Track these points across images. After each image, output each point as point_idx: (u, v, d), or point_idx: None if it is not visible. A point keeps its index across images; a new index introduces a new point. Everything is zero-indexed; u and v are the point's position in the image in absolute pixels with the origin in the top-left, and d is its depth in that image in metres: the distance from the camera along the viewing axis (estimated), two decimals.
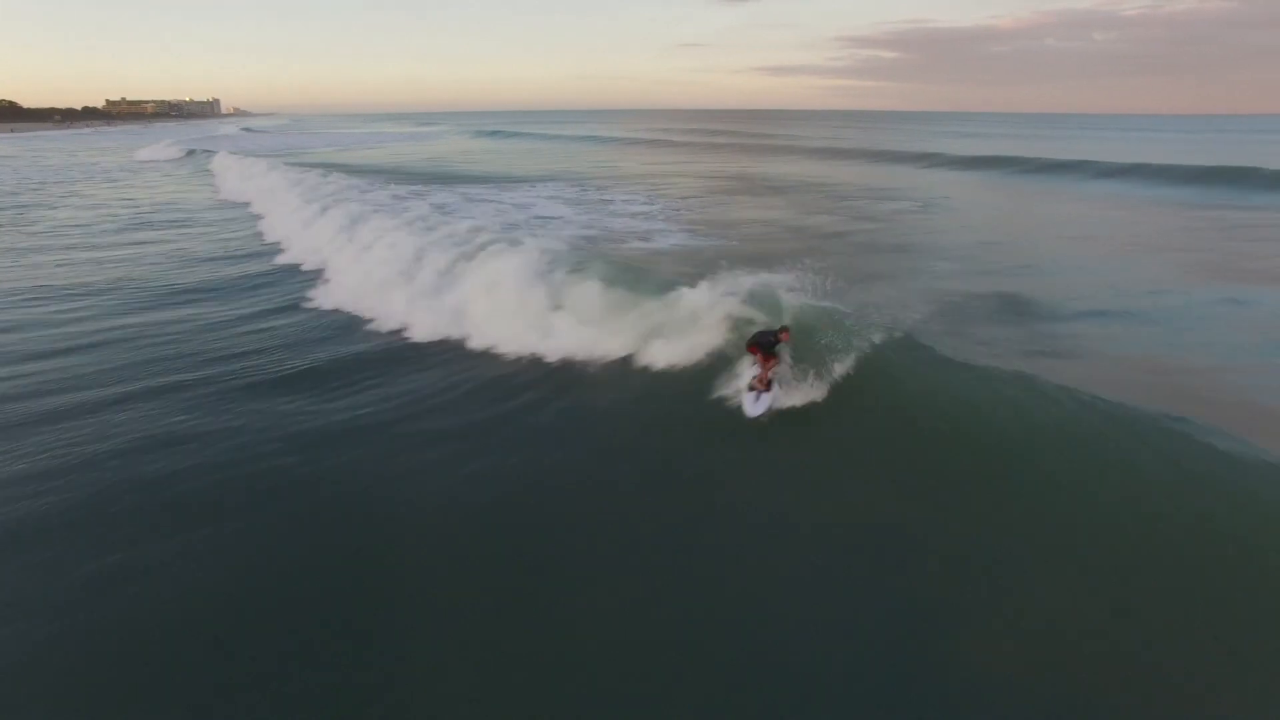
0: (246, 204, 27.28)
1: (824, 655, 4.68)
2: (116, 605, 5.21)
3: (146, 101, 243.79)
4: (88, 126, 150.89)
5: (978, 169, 40.02)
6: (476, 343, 10.57)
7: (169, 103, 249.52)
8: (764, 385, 7.63)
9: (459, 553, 5.86)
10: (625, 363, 9.32)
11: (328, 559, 5.81)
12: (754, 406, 7.55)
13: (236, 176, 34.60)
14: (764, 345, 7.72)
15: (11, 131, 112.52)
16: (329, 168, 40.35)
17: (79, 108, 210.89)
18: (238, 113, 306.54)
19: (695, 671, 4.58)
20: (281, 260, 17.43)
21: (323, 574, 5.63)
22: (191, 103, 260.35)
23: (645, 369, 9.08)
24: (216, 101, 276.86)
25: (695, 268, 13.83)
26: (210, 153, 50.53)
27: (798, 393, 7.76)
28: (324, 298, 13.44)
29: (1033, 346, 10.40)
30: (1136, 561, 5.19)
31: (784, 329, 7.95)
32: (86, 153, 64.14)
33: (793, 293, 9.37)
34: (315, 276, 15.16)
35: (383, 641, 4.88)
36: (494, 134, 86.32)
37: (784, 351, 7.85)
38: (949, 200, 27.87)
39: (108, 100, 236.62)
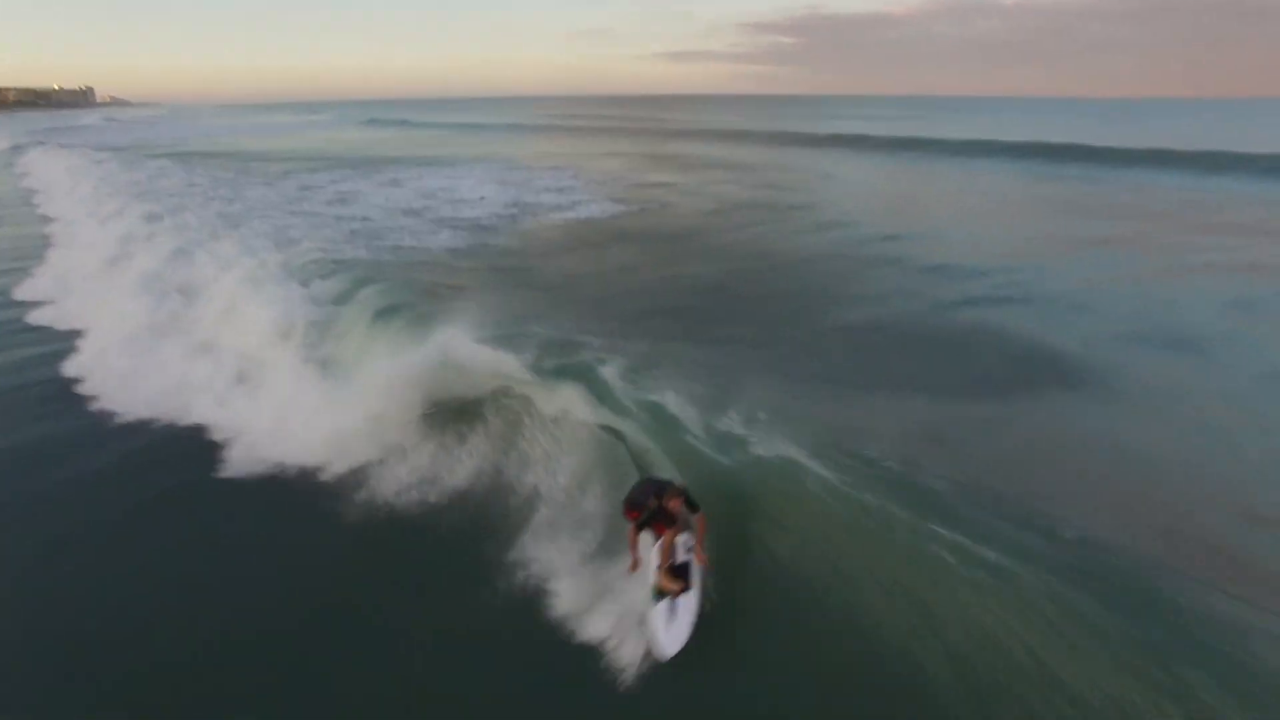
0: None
1: None
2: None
3: (7, 89, 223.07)
4: None
5: (856, 147, 45.37)
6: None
7: (35, 91, 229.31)
8: (675, 584, 4.80)
9: None
10: None
11: None
12: (669, 631, 4.53)
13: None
14: (647, 508, 4.92)
15: None
16: (240, 158, 40.91)
17: None
18: (114, 101, 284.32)
19: None
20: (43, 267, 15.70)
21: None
22: (61, 91, 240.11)
23: None
24: (90, 90, 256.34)
25: (582, 244, 16.71)
26: (42, 144, 46.46)
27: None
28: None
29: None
30: None
31: (673, 493, 4.94)
32: None
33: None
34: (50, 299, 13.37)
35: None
36: (395, 123, 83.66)
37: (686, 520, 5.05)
38: (830, 174, 32.35)
39: None
